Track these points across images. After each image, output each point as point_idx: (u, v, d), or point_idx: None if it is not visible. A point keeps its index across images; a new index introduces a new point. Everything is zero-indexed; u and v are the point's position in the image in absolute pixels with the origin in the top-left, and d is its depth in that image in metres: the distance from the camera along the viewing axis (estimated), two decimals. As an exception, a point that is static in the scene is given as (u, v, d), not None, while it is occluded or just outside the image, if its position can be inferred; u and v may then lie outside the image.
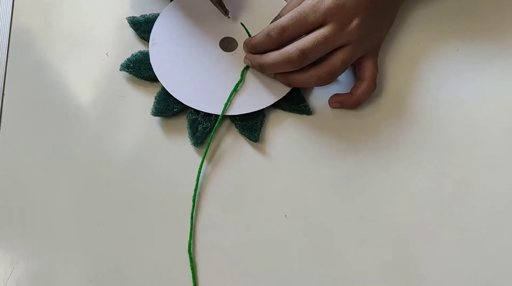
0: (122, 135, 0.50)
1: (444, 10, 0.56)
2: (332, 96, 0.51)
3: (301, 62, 0.47)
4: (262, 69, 0.50)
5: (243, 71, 0.52)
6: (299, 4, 0.50)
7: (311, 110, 0.51)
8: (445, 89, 0.53)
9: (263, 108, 0.50)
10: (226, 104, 0.50)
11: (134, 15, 0.55)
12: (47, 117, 0.51)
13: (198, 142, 0.49)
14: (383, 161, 0.49)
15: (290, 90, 0.51)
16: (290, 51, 0.47)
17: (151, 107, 0.50)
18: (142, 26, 0.54)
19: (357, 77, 0.51)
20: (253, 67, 0.51)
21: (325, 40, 0.47)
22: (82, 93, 0.52)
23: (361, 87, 0.50)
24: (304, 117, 0.51)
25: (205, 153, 0.48)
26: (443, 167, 0.49)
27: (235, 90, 0.51)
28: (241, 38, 0.53)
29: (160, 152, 0.49)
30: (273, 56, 0.48)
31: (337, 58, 0.48)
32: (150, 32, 0.53)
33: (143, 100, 0.51)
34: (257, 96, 0.51)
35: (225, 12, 0.53)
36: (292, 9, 0.50)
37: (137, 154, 0.49)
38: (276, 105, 0.51)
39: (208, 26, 0.54)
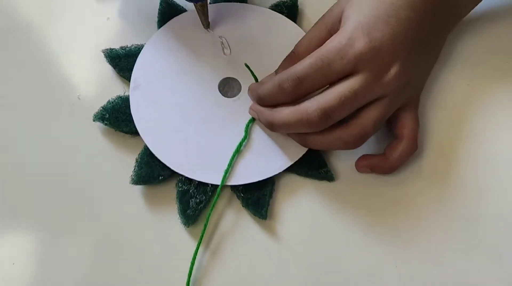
0: (95, 208, 0.40)
1: (501, 40, 0.46)
2: (360, 158, 0.41)
3: (323, 124, 0.36)
4: (272, 127, 0.39)
5: (247, 125, 0.41)
6: (320, 39, 0.39)
7: (333, 176, 0.41)
8: (505, 146, 0.42)
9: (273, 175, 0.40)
10: (226, 171, 0.39)
11: (112, 47, 0.44)
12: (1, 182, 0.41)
13: (190, 221, 0.38)
14: (425, 245, 0.39)
15: (307, 151, 0.40)
16: (309, 109, 0.36)
17: (132, 172, 0.39)
18: (122, 62, 0.43)
19: (393, 133, 0.40)
20: (260, 121, 0.40)
21: (354, 95, 0.36)
22: (45, 148, 0.42)
23: (398, 148, 0.39)
24: (325, 183, 0.41)
25: (201, 238, 0.38)
26: (505, 252, 0.39)
27: (238, 151, 0.40)
28: (245, 79, 0.43)
29: (142, 233, 0.39)
30: (286, 113, 0.37)
31: (369, 117, 0.37)
32: (132, 70, 0.43)
33: (122, 159, 0.41)
34: (265, 158, 0.40)
35: (206, 25, 0.44)
36: (310, 45, 0.39)
37: (114, 235, 0.39)
38: (289, 169, 0.40)
39: (204, 62, 0.43)
